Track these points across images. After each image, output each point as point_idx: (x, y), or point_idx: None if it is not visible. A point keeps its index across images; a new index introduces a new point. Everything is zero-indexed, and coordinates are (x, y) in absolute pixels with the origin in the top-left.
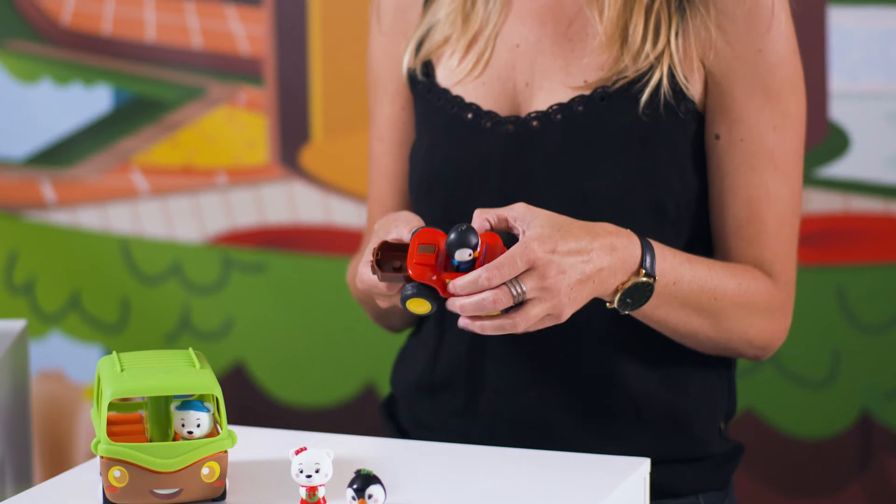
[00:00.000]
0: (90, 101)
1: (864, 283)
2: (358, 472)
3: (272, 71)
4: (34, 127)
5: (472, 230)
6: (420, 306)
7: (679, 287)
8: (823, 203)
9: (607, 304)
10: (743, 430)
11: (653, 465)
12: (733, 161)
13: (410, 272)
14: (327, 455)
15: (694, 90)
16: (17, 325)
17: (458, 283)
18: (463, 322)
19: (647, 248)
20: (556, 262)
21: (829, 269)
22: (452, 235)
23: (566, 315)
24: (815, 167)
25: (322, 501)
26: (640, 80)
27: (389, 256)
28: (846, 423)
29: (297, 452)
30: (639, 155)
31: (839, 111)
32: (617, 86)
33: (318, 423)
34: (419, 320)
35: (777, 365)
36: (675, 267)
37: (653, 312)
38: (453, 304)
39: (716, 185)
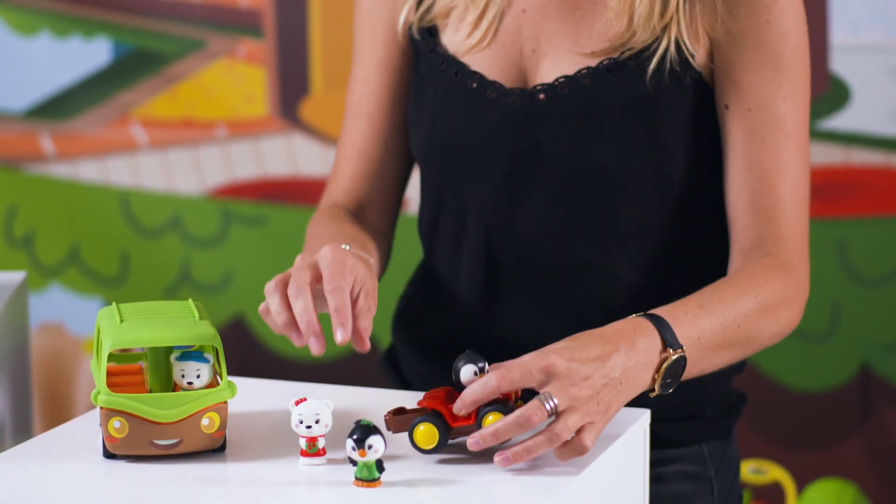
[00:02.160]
0: (89, 54)
1: (865, 236)
2: (358, 423)
3: (272, 23)
4: (33, 80)
5: (477, 354)
6: (427, 436)
7: (704, 338)
8: (824, 156)
9: (651, 395)
10: (743, 383)
11: (658, 420)
12: (743, 131)
13: (422, 405)
14: (327, 406)
15: (700, 60)
16: (16, 276)
17: (466, 392)
18: (502, 457)
19: (661, 326)
20: (576, 369)
21: (829, 222)
22: (460, 360)
23: (602, 425)
24: (816, 120)
25: (322, 452)
26: (647, 50)
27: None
28: (846, 375)
29: (297, 403)
30: (645, 127)
31: (840, 64)
32: (624, 56)
33: (317, 375)
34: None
35: None
36: (692, 323)
37: (689, 373)
38: (484, 435)
39: (728, 157)
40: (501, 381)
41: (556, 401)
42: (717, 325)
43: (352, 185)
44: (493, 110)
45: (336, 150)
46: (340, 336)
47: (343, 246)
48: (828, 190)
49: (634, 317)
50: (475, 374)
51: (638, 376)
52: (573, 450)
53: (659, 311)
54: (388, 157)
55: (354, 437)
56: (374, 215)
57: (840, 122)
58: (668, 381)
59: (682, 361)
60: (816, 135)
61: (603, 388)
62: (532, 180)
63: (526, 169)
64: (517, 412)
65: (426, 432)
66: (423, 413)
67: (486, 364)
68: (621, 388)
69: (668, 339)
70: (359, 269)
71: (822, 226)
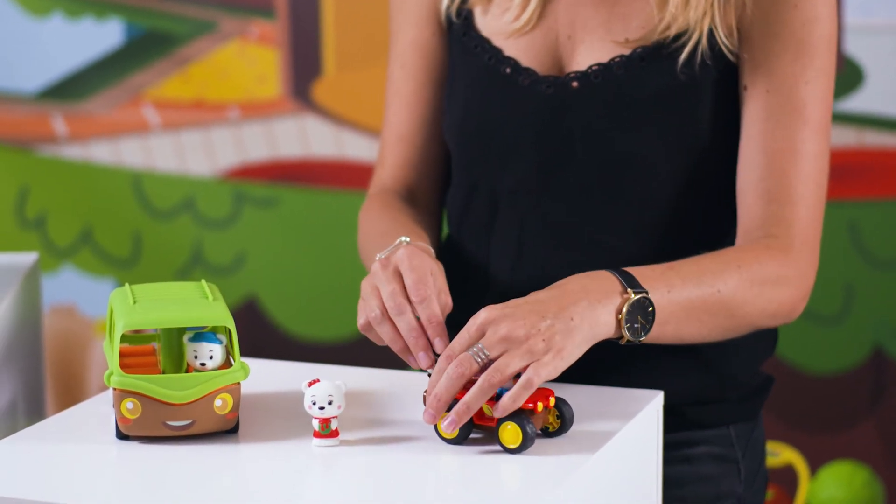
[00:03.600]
0: (102, 35)
1: (878, 218)
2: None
3: (284, 4)
4: (46, 61)
5: None
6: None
7: (675, 293)
8: (837, 137)
9: (621, 342)
10: None
11: (686, 402)
12: (759, 112)
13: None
14: (340, 387)
15: (731, 49)
16: (28, 258)
17: (434, 394)
18: (447, 422)
19: (619, 273)
20: (508, 314)
21: (842, 204)
22: None
23: (557, 362)
24: None
25: (335, 433)
26: (680, 38)
27: None
28: (858, 358)
29: (310, 384)
30: (677, 116)
31: (854, 45)
32: (657, 45)
33: (330, 356)
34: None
35: None
36: (660, 276)
37: (663, 330)
38: (429, 412)
39: (741, 138)
40: (449, 359)
41: (486, 352)
42: (692, 283)
43: (398, 171)
44: (526, 97)
45: (381, 132)
46: (439, 344)
47: (403, 239)
48: (841, 171)
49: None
50: None
51: (594, 315)
52: (522, 386)
53: (624, 268)
54: (432, 143)
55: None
56: (423, 197)
57: (853, 103)
58: (635, 325)
59: (647, 304)
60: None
61: (548, 328)
62: (564, 168)
63: (558, 157)
64: (448, 370)
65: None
66: (451, 405)
67: None
68: (573, 325)
69: (627, 280)
70: (437, 272)
71: (834, 207)
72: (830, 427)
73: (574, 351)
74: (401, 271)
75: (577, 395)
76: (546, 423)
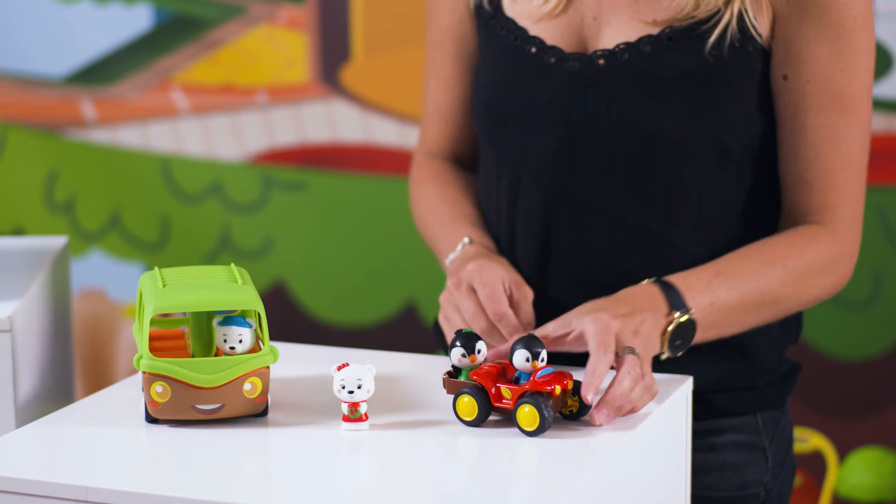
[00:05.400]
0: (130, 20)
1: None
2: (459, 332)
3: None
4: (74, 45)
5: (537, 340)
6: (468, 408)
7: (719, 303)
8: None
9: (661, 357)
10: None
11: (712, 389)
12: (801, 102)
13: (474, 377)
14: (369, 371)
15: (762, 30)
16: (58, 241)
17: (588, 384)
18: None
19: (668, 290)
20: (627, 324)
21: (871, 190)
22: (517, 343)
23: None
24: None
25: (364, 417)
26: (709, 20)
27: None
28: (887, 343)
29: (340, 368)
30: (704, 96)
31: (884, 31)
32: (686, 26)
33: (358, 341)
34: None
35: None
36: (705, 287)
37: (705, 335)
38: (600, 413)
39: (783, 127)
40: (607, 358)
41: (636, 350)
42: (736, 291)
43: (440, 144)
44: (553, 75)
45: (423, 107)
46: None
47: (465, 241)
48: (870, 157)
49: (645, 282)
50: (527, 360)
51: (650, 336)
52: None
53: (672, 277)
54: (469, 121)
55: (458, 343)
56: (467, 163)
57: (883, 89)
58: (676, 343)
59: (690, 326)
60: None
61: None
62: (590, 146)
63: (584, 135)
64: (626, 378)
65: (469, 404)
66: (470, 385)
67: (544, 351)
68: (646, 344)
69: (674, 301)
70: (507, 277)
71: None
72: (859, 413)
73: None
74: (474, 287)
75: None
76: (565, 406)
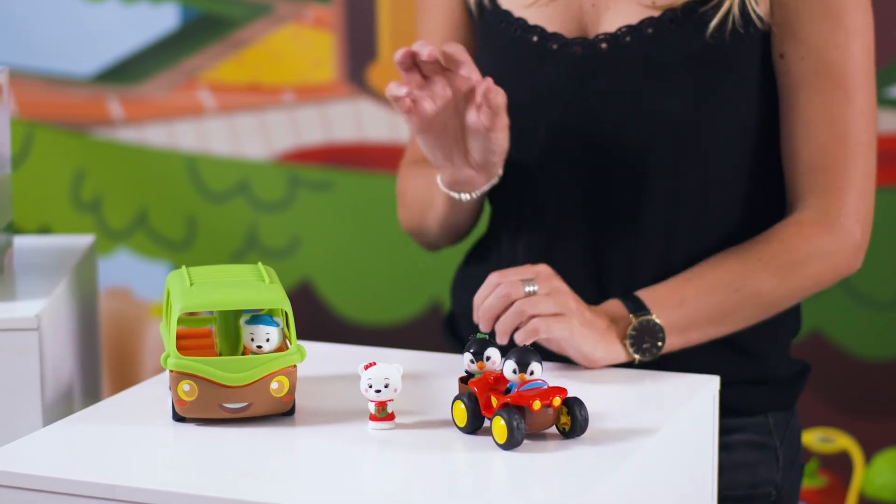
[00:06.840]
0: (157, 19)
1: None
2: (473, 337)
3: None
4: (101, 44)
5: (531, 352)
6: (459, 414)
7: (690, 305)
8: (887, 124)
9: (635, 361)
10: (809, 351)
11: (723, 385)
12: (795, 80)
13: (473, 385)
14: (396, 370)
15: (763, 13)
16: (85, 240)
17: (478, 305)
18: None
19: (627, 298)
20: (560, 279)
21: (891, 190)
22: (511, 354)
23: (575, 329)
24: (884, 87)
25: (391, 416)
26: (710, 2)
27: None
28: None
29: (367, 367)
30: (707, 78)
31: None
32: (687, 9)
33: (384, 340)
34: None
35: (844, 286)
36: (671, 291)
37: (687, 338)
38: (476, 314)
39: (781, 107)
40: (500, 279)
41: (535, 286)
42: (706, 291)
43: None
44: (556, 61)
45: None
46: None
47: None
48: (889, 158)
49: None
50: (514, 371)
51: (560, 291)
52: (528, 331)
53: (640, 291)
54: None
55: (472, 350)
56: None
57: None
58: (644, 345)
59: (651, 325)
60: (884, 102)
61: (583, 313)
62: (595, 129)
63: (588, 117)
64: (498, 290)
65: (462, 411)
66: (466, 393)
67: (536, 364)
68: (589, 320)
69: (630, 306)
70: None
71: (883, 193)
72: (885, 413)
73: (581, 342)
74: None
75: (631, 379)
76: (557, 423)
